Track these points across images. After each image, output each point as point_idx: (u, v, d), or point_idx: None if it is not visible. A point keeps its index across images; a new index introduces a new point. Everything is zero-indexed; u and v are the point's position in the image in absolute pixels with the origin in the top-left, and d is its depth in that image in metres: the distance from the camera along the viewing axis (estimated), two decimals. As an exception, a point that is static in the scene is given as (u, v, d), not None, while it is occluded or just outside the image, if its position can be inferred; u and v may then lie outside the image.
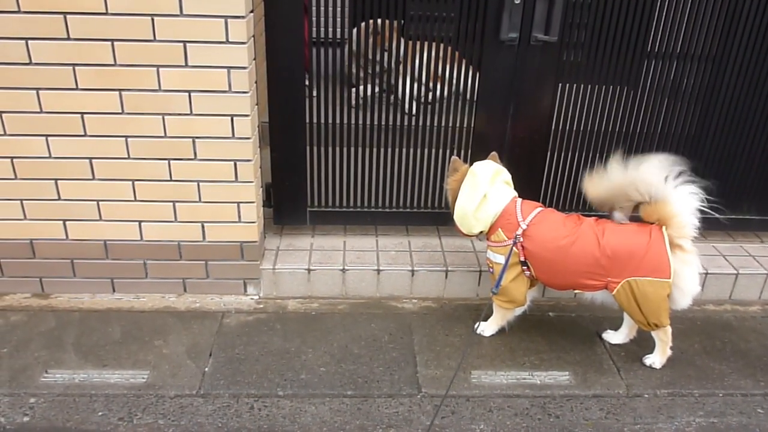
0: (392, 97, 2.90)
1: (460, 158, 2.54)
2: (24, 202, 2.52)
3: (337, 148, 2.83)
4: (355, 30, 2.93)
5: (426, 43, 2.73)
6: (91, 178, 2.48)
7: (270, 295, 2.79)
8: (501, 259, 2.36)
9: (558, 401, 2.27)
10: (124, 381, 2.27)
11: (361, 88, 2.92)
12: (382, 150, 2.85)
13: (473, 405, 2.23)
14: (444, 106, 2.83)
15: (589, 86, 2.76)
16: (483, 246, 2.64)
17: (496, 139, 2.80)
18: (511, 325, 2.57)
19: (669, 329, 2.34)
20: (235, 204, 2.57)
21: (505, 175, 2.44)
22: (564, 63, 2.69)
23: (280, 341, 2.50)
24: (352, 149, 2.84)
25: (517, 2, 2.52)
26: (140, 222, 2.58)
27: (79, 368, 2.32)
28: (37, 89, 2.31)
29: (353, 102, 2.84)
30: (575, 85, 2.76)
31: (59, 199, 2.52)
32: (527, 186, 2.68)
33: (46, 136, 2.40)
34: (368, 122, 2.81)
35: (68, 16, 2.20)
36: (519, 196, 2.43)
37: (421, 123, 2.85)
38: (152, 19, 2.22)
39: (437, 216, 2.96)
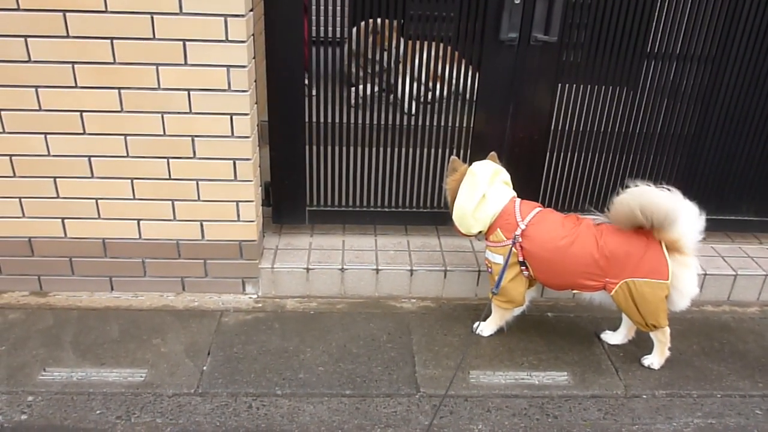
0: (392, 97, 2.90)
1: (459, 158, 2.54)
2: (23, 199, 2.52)
3: (337, 148, 2.83)
4: (354, 29, 2.93)
5: (426, 43, 2.73)
6: (90, 176, 2.48)
7: (268, 294, 2.79)
8: (500, 260, 2.36)
9: (556, 401, 2.27)
10: (122, 379, 2.27)
11: (361, 87, 2.92)
12: (381, 149, 2.85)
13: (471, 405, 2.23)
14: (443, 105, 2.83)
15: (589, 86, 2.76)
16: (482, 246, 2.64)
17: (496, 139, 2.80)
18: (509, 326, 2.57)
19: (667, 330, 2.34)
20: (234, 203, 2.57)
21: (504, 175, 2.44)
22: (564, 63, 2.69)
23: (279, 340, 2.50)
24: (352, 149, 2.84)
25: (516, 2, 2.52)
26: (139, 220, 2.58)
27: (77, 366, 2.32)
28: (36, 87, 2.31)
29: (352, 101, 2.84)
30: (575, 85, 2.76)
31: (58, 197, 2.51)
32: (526, 186, 2.68)
33: (45, 134, 2.40)
34: (367, 122, 2.81)
35: (68, 14, 2.20)
36: (518, 196, 2.43)
37: (420, 123, 2.84)
38: (152, 18, 2.22)
39: (436, 216, 2.96)
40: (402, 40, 2.79)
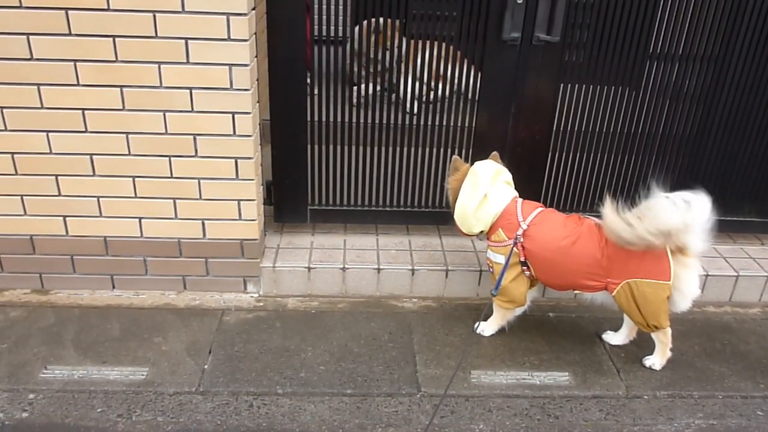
0: (393, 96, 2.90)
1: (461, 158, 2.54)
2: (24, 197, 2.52)
3: (338, 147, 2.82)
4: (356, 28, 2.93)
5: (428, 42, 2.73)
6: (92, 174, 2.48)
7: (270, 293, 2.79)
8: (501, 259, 2.36)
9: (557, 402, 2.27)
10: (123, 378, 2.27)
11: (363, 86, 2.92)
12: (383, 149, 2.85)
13: (472, 405, 2.23)
14: (445, 105, 2.82)
15: (591, 86, 2.76)
16: (483, 246, 2.64)
17: (498, 138, 2.79)
18: (511, 325, 2.56)
19: (669, 331, 2.34)
20: (236, 201, 2.57)
21: (505, 175, 2.43)
22: (566, 63, 2.69)
23: (280, 339, 2.50)
24: (353, 148, 2.84)
25: (519, 2, 2.52)
26: (140, 219, 2.58)
27: (79, 364, 2.32)
28: (38, 85, 2.31)
29: (354, 100, 2.83)
30: (577, 85, 2.75)
31: (59, 195, 2.51)
32: (528, 186, 2.67)
33: (47, 131, 2.40)
34: (369, 121, 2.81)
35: (70, 12, 2.20)
36: (520, 196, 2.43)
37: (422, 122, 2.84)
38: (154, 16, 2.22)
39: (438, 215, 2.96)
40: (404, 39, 2.79)
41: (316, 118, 2.75)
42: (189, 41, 2.26)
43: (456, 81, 2.77)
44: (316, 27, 2.69)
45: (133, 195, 2.52)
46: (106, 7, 2.19)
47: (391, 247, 2.92)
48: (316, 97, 2.72)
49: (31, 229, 2.58)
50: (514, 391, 2.30)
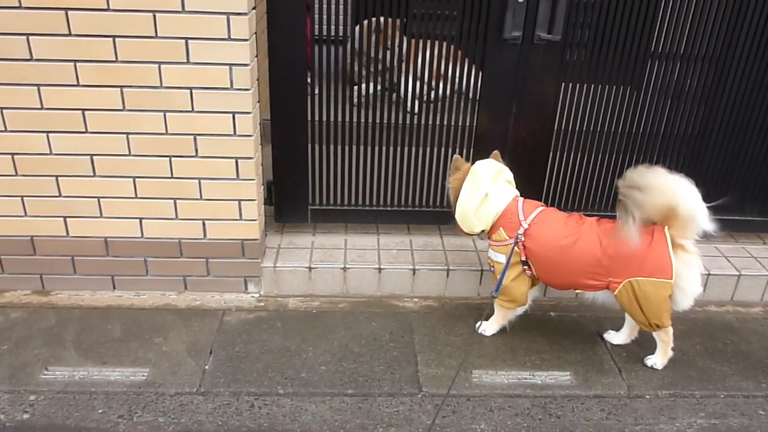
0: (394, 96, 2.89)
1: (462, 157, 2.53)
2: (24, 198, 2.52)
3: (339, 146, 2.82)
4: (357, 28, 2.92)
5: (428, 42, 2.72)
6: (92, 174, 2.48)
7: (271, 293, 2.78)
8: (502, 259, 2.36)
9: (559, 401, 2.26)
10: (124, 378, 2.26)
11: (363, 86, 2.91)
12: (383, 148, 2.84)
13: (474, 404, 2.23)
14: (446, 104, 2.82)
15: (592, 86, 2.75)
16: (484, 245, 2.63)
17: (499, 138, 2.79)
18: (512, 325, 2.56)
19: (670, 330, 2.34)
20: (236, 201, 2.56)
21: (506, 174, 2.43)
22: (567, 62, 2.68)
23: (281, 339, 2.50)
24: (354, 147, 2.83)
25: (520, 1, 2.51)
26: (141, 219, 2.57)
27: (79, 366, 2.31)
28: (38, 85, 2.31)
29: (355, 100, 2.83)
30: (578, 84, 2.75)
31: (60, 195, 2.51)
32: (529, 185, 2.67)
33: (47, 132, 2.39)
34: (370, 120, 2.80)
35: (69, 12, 2.19)
36: (521, 196, 2.42)
37: (423, 121, 2.84)
38: (154, 16, 2.21)
39: (439, 215, 2.96)
40: (405, 38, 2.79)
41: (316, 118, 2.74)
42: (189, 41, 2.25)
43: (457, 80, 2.77)
44: (316, 26, 2.68)
45: (134, 195, 2.52)
46: (105, 7, 2.19)
47: (392, 247, 2.92)
48: (317, 97, 2.72)
49: (32, 230, 2.58)
50: (516, 390, 2.30)
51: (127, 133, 2.41)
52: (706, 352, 2.54)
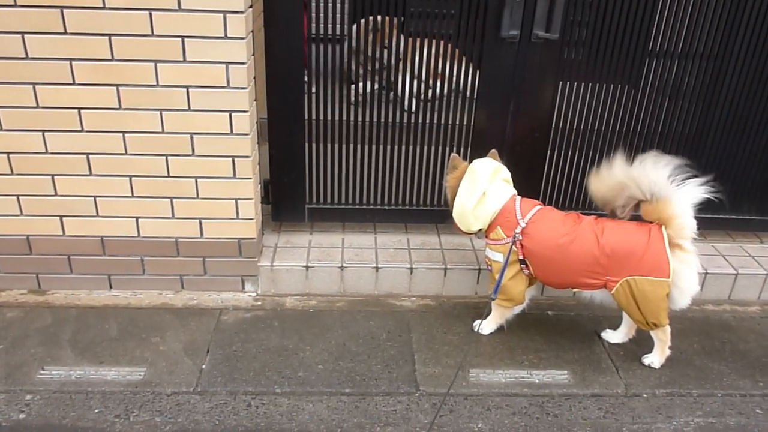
0: (392, 95, 2.89)
1: (459, 156, 2.53)
2: (20, 197, 2.51)
3: (336, 145, 2.81)
4: (354, 26, 2.92)
5: (426, 40, 2.72)
6: (88, 173, 2.47)
7: (268, 293, 2.78)
8: (500, 258, 2.35)
9: (556, 400, 2.26)
10: (120, 378, 2.26)
11: (361, 85, 2.91)
12: (381, 147, 2.84)
13: (471, 403, 2.23)
14: (444, 103, 2.81)
15: (590, 84, 2.75)
16: (482, 244, 2.63)
17: (496, 136, 2.79)
18: (509, 324, 2.56)
19: (668, 329, 2.34)
20: (233, 201, 2.55)
21: (504, 173, 2.43)
22: (565, 61, 2.68)
23: (278, 338, 2.49)
24: (351, 146, 2.83)
25: (518, -1, 2.51)
26: (137, 218, 2.56)
27: (76, 365, 2.31)
28: (34, 84, 2.30)
29: (352, 99, 2.83)
30: (576, 83, 2.74)
31: (56, 194, 2.50)
32: (527, 184, 2.66)
33: (43, 131, 2.38)
34: (367, 119, 2.80)
35: (65, 10, 2.18)
36: (518, 194, 2.42)
37: (420, 120, 2.83)
38: (150, 14, 2.20)
39: (436, 213, 2.95)
40: (402, 37, 2.78)
41: (313, 117, 2.74)
42: (185, 39, 2.25)
43: (454, 79, 2.77)
44: (313, 25, 2.67)
45: (130, 194, 2.51)
46: (101, 5, 2.18)
47: (390, 246, 2.92)
48: (314, 96, 2.71)
49: (28, 230, 2.57)
50: (513, 389, 2.29)
51: (124, 132, 2.40)
52: (703, 351, 2.55)
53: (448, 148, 2.85)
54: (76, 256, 2.64)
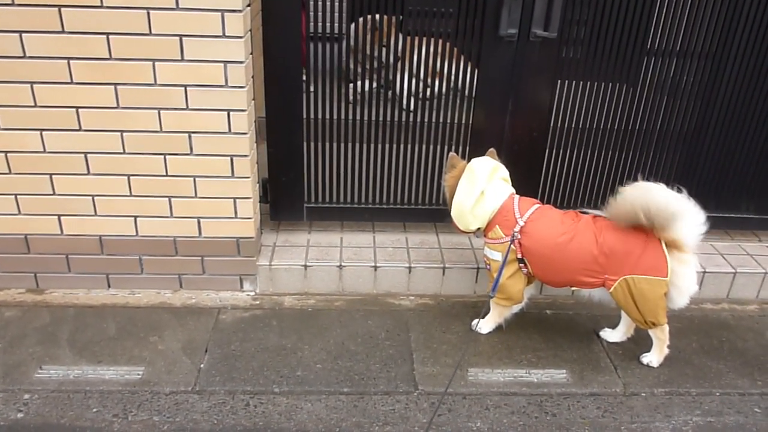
0: (390, 93, 2.89)
1: (457, 155, 2.53)
2: (18, 196, 2.50)
3: (335, 144, 2.81)
4: (353, 25, 2.91)
5: (424, 39, 2.72)
6: (86, 172, 2.46)
7: (266, 292, 2.78)
8: (498, 257, 2.35)
9: (555, 399, 2.26)
10: (119, 377, 2.25)
11: (359, 83, 2.90)
12: (379, 146, 2.84)
13: (470, 403, 2.23)
14: (442, 102, 2.81)
15: (589, 83, 2.75)
16: (480, 243, 2.63)
17: (495, 135, 2.79)
18: (508, 323, 2.56)
19: (666, 328, 2.34)
20: (232, 199, 2.55)
21: (502, 172, 2.43)
22: (563, 59, 2.68)
23: (277, 338, 2.49)
24: (350, 145, 2.83)
25: (516, -2, 2.51)
26: (136, 217, 2.56)
27: (74, 364, 2.30)
28: (32, 83, 2.29)
29: (351, 98, 2.82)
30: (574, 81, 2.74)
31: (54, 193, 2.50)
32: (525, 183, 2.67)
33: (41, 130, 2.38)
34: (366, 118, 2.80)
35: (63, 9, 2.18)
36: (517, 193, 2.42)
37: (419, 119, 2.83)
38: (148, 13, 2.20)
39: (435, 212, 2.95)
40: (401, 36, 2.78)
41: (312, 116, 2.74)
42: (183, 38, 2.24)
43: (453, 78, 2.76)
44: (311, 24, 2.67)
45: (128, 193, 2.51)
46: (99, 4, 2.17)
47: (388, 245, 2.91)
48: (312, 95, 2.71)
49: (26, 229, 2.57)
50: (512, 388, 2.29)
51: (122, 131, 2.39)
52: (701, 350, 2.55)
53: (446, 147, 2.84)
54: (75, 255, 2.63)
